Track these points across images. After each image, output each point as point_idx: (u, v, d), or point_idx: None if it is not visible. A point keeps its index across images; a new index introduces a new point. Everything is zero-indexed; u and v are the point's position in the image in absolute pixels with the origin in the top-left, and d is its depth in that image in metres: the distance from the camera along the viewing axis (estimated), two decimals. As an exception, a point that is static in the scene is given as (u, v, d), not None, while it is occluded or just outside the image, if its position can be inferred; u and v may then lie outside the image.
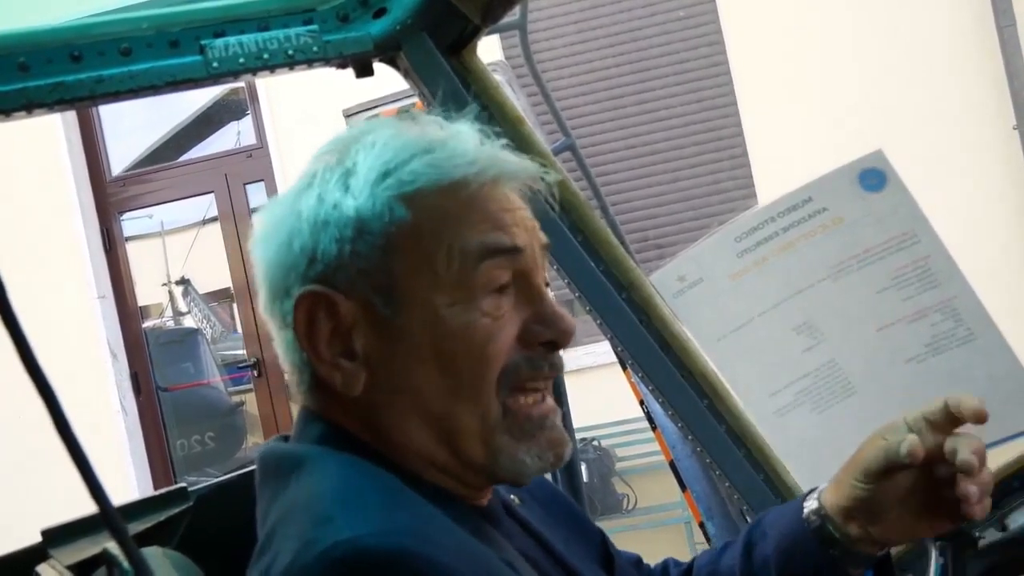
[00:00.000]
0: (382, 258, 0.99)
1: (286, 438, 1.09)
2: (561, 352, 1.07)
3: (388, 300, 0.99)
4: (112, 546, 1.19)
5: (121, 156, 8.11)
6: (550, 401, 1.07)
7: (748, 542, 1.25)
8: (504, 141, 1.07)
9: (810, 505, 1.18)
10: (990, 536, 1.69)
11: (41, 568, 1.32)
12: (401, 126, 1.06)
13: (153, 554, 1.30)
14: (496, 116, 1.62)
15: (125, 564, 1.14)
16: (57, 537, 1.37)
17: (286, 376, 1.08)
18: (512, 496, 1.19)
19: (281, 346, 1.05)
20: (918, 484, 1.11)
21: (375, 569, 0.83)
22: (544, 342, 1.04)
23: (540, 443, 1.03)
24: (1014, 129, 6.42)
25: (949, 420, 1.08)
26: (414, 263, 1.00)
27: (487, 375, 1.00)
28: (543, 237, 1.08)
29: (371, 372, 1.00)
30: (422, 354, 0.99)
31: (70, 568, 1.30)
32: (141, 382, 7.79)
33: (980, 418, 1.07)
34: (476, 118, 1.08)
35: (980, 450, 1.07)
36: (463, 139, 1.05)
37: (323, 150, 1.08)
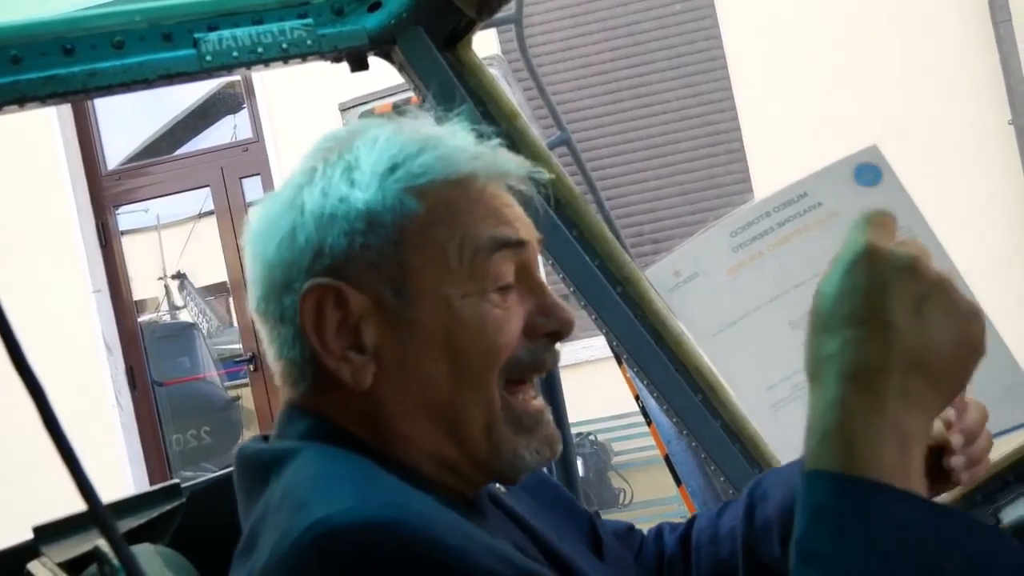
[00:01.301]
0: (393, 251, 1.00)
1: (266, 438, 1.08)
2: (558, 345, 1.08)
3: (399, 292, 1.00)
4: (103, 543, 1.19)
5: (116, 150, 8.10)
6: (541, 398, 1.08)
7: (749, 504, 1.24)
8: (498, 140, 1.08)
9: None
10: (985, 531, 1.69)
11: (32, 565, 1.31)
12: (398, 123, 1.07)
13: (145, 551, 1.30)
14: (491, 110, 1.62)
15: (116, 561, 1.14)
16: (48, 534, 1.37)
17: (276, 374, 1.07)
18: (498, 484, 1.19)
19: (276, 343, 1.05)
20: None
21: (349, 545, 0.82)
22: (547, 333, 1.05)
23: (538, 438, 1.05)
24: (1009, 124, 6.43)
25: None
26: (426, 255, 1.00)
27: (495, 364, 1.01)
28: (538, 233, 1.09)
29: (380, 365, 1.00)
30: (434, 346, 1.00)
31: (61, 565, 1.30)
32: (137, 376, 7.79)
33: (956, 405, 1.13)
34: (469, 117, 1.09)
35: (971, 427, 1.12)
36: (462, 136, 1.06)
37: (320, 146, 1.08)
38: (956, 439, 1.11)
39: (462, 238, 1.01)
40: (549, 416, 1.08)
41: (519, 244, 1.04)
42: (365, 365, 1.00)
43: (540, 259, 1.13)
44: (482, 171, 1.04)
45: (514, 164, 1.06)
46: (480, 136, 1.08)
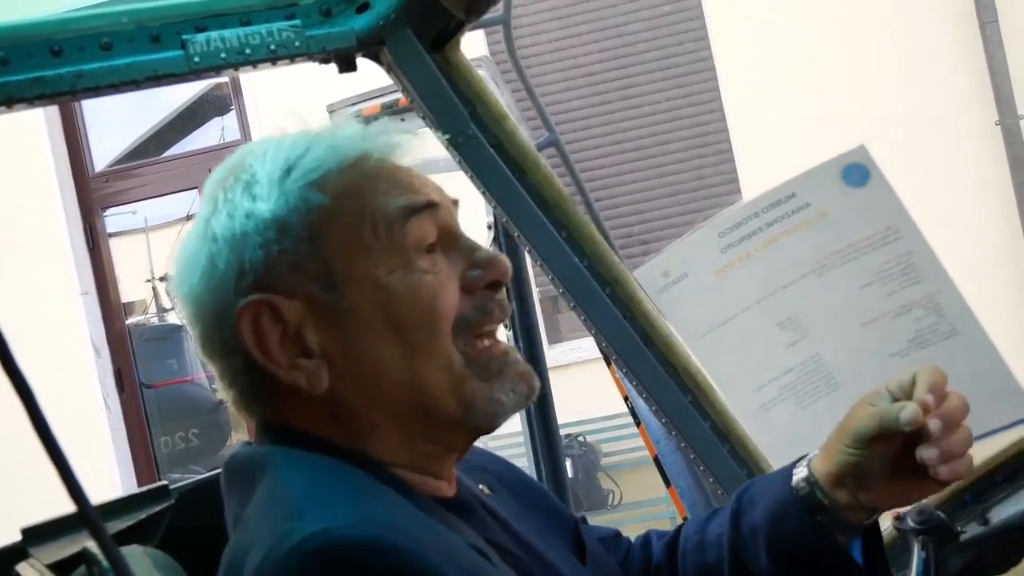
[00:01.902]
0: (311, 248, 1.01)
1: (251, 444, 1.09)
2: (502, 295, 1.10)
3: (328, 287, 1.01)
4: (92, 545, 1.19)
5: (104, 152, 8.07)
6: (503, 341, 1.09)
7: (736, 510, 1.24)
8: (387, 118, 1.10)
9: (800, 473, 1.17)
10: (972, 530, 1.70)
11: (21, 567, 1.31)
12: (281, 133, 1.10)
13: (134, 552, 1.30)
14: (480, 112, 1.62)
15: (105, 563, 1.13)
16: (37, 536, 1.37)
17: (232, 408, 1.08)
18: (481, 487, 1.19)
19: (227, 376, 1.05)
20: (904, 450, 1.09)
21: (348, 560, 0.83)
22: (486, 285, 1.06)
23: (511, 377, 1.06)
24: (996, 125, 6.45)
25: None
26: (343, 243, 1.01)
27: (442, 328, 1.02)
28: (451, 194, 1.11)
29: (331, 364, 1.01)
30: (375, 328, 1.01)
31: (50, 567, 1.30)
32: (124, 379, 7.76)
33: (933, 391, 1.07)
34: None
35: (949, 411, 1.07)
36: (349, 123, 1.09)
37: (214, 179, 1.09)
38: (934, 424, 1.05)
39: (372, 215, 1.02)
40: (517, 355, 1.08)
41: (430, 206, 1.05)
42: (317, 368, 1.01)
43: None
44: (373, 148, 1.05)
45: (406, 131, 1.09)
46: (365, 122, 1.10)
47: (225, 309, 1.01)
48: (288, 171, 1.03)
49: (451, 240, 1.07)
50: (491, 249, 1.09)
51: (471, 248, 1.08)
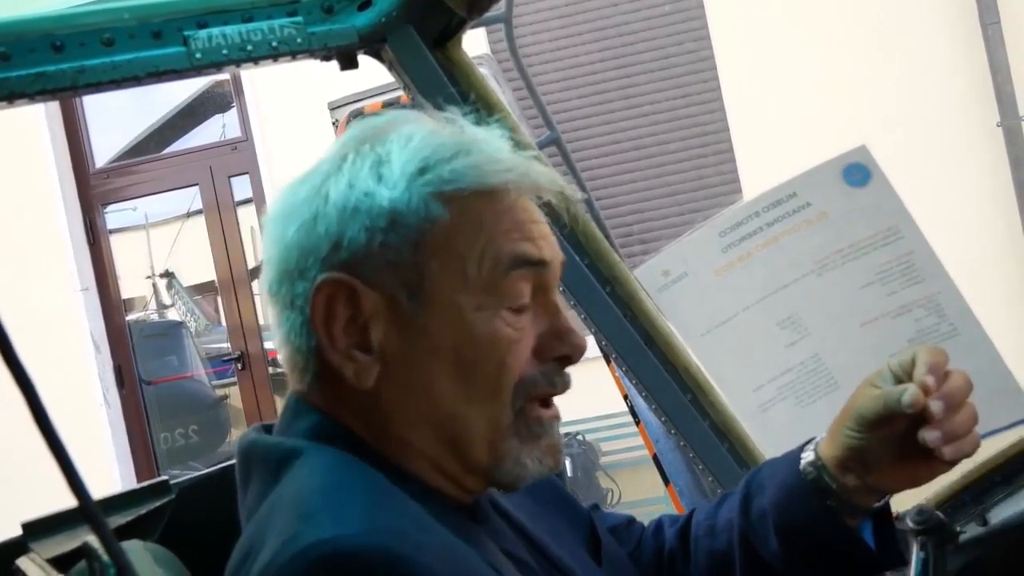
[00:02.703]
0: (413, 253, 0.99)
1: (268, 428, 1.07)
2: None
3: (413, 296, 0.99)
4: (92, 539, 1.19)
5: (105, 148, 8.06)
6: (555, 406, 1.07)
7: (745, 495, 1.23)
8: (533, 152, 1.07)
9: (807, 457, 1.17)
10: (971, 530, 1.70)
11: (21, 561, 1.31)
12: (434, 123, 1.06)
13: (134, 547, 1.30)
14: (481, 109, 1.62)
15: (105, 557, 1.14)
16: (37, 530, 1.37)
17: (281, 359, 1.06)
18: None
19: (283, 327, 1.03)
20: (910, 431, 1.08)
21: (355, 569, 0.83)
22: (558, 357, 1.04)
23: (542, 447, 1.04)
24: (998, 126, 6.45)
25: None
26: (445, 263, 0.99)
27: (505, 384, 1.00)
28: (561, 253, 1.08)
29: (385, 366, 1.00)
30: (441, 355, 0.99)
31: (51, 562, 1.30)
32: (124, 375, 7.76)
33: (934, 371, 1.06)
34: (505, 125, 1.08)
35: (952, 391, 1.06)
36: (498, 144, 1.04)
37: (352, 136, 1.06)
38: (936, 406, 1.04)
39: (484, 250, 0.99)
40: (558, 427, 1.07)
41: (540, 263, 1.03)
42: (370, 365, 0.99)
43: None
44: (514, 185, 1.02)
45: (547, 179, 1.05)
46: (516, 145, 1.06)
47: (307, 270, 0.99)
48: (424, 170, 1.00)
49: (543, 299, 1.05)
50: (573, 326, 1.06)
51: (557, 313, 1.05)
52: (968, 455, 1.08)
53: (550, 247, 1.05)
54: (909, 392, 1.05)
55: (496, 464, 1.02)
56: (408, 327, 0.99)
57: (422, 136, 1.02)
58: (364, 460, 0.98)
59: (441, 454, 1.01)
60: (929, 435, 1.05)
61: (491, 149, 1.03)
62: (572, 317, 1.10)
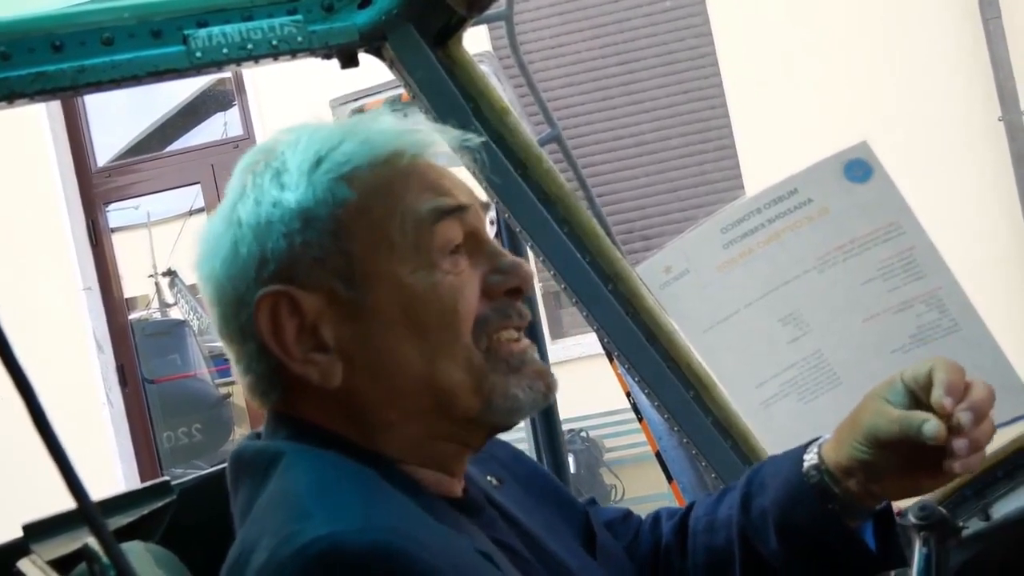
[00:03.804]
0: (335, 242, 1.01)
1: (259, 435, 1.09)
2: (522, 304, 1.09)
3: (350, 283, 1.01)
4: (93, 541, 1.19)
5: (106, 146, 8.07)
6: (525, 339, 1.09)
7: (746, 493, 1.23)
8: (423, 116, 1.09)
9: (810, 459, 1.16)
10: (974, 526, 1.70)
11: (22, 563, 1.31)
12: (319, 121, 1.09)
13: (135, 548, 1.30)
14: (482, 107, 1.62)
15: (105, 559, 1.14)
16: (38, 532, 1.37)
17: (247, 395, 1.07)
18: (489, 478, 1.19)
19: (243, 362, 1.05)
20: (916, 445, 1.07)
21: (354, 566, 0.83)
22: (507, 291, 1.06)
23: (528, 375, 1.06)
24: (999, 120, 6.44)
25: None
26: (369, 239, 1.01)
27: (462, 328, 1.02)
28: (482, 196, 1.11)
29: (347, 360, 1.01)
30: (395, 326, 1.01)
31: (51, 563, 1.30)
32: (127, 374, 7.76)
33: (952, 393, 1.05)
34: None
35: (978, 403, 1.05)
36: (384, 119, 1.08)
37: (246, 161, 1.09)
38: (965, 417, 1.03)
39: (401, 214, 1.02)
40: (536, 354, 1.08)
41: (460, 209, 1.05)
42: (331, 364, 1.01)
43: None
44: (408, 147, 1.05)
45: (441, 132, 1.08)
46: (404, 116, 1.09)
47: (244, 295, 1.01)
48: (318, 162, 1.02)
49: (476, 243, 1.07)
50: (516, 258, 1.08)
51: (495, 253, 1.07)
52: (974, 470, 1.08)
53: (465, 193, 1.07)
54: (932, 426, 1.04)
55: (487, 405, 1.03)
56: (355, 315, 1.01)
57: (308, 135, 1.06)
58: (349, 458, 0.98)
59: (432, 421, 1.03)
60: (958, 444, 1.03)
61: (375, 125, 1.06)
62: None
